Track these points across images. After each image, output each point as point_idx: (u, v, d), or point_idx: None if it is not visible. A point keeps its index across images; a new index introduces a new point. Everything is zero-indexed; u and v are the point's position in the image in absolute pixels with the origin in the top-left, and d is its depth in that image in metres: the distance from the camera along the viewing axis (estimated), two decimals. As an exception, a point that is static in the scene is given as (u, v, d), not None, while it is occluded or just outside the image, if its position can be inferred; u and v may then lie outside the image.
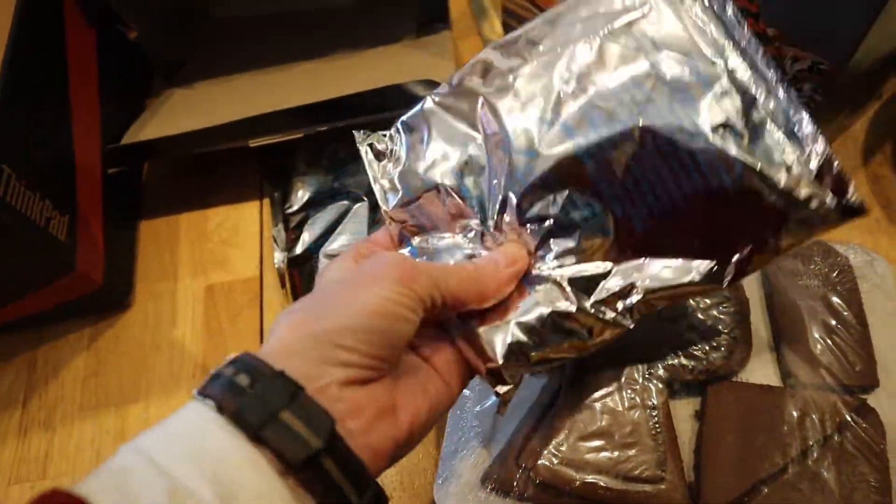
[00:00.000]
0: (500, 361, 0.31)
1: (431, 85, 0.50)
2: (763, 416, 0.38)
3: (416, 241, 0.35)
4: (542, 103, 0.33)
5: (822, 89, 0.40)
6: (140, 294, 0.53)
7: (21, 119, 0.43)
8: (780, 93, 0.29)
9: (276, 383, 0.25)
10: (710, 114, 0.29)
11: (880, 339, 0.41)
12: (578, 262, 0.32)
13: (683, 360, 0.39)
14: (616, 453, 0.36)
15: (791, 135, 0.29)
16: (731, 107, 0.29)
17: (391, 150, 0.36)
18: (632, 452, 0.36)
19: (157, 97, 0.61)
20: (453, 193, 0.34)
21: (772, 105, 0.29)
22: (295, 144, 0.53)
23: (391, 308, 0.28)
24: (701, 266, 0.30)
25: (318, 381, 0.26)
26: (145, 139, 0.53)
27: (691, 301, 0.41)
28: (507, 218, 0.33)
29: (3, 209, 0.39)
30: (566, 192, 0.31)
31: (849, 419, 0.37)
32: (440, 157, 0.35)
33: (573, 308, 0.31)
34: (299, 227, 0.51)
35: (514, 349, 0.31)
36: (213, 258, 0.54)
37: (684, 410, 0.40)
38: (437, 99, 0.36)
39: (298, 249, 0.50)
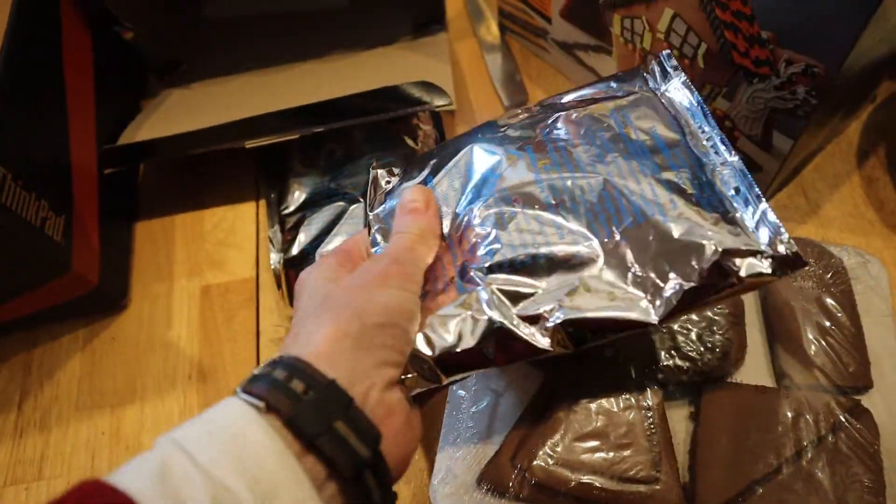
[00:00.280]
0: (415, 346, 0.31)
1: (427, 86, 0.50)
2: (757, 417, 0.38)
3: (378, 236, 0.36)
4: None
5: (815, 92, 0.40)
6: (136, 295, 0.53)
7: (17, 119, 0.43)
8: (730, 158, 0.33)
9: (330, 392, 0.26)
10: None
11: (874, 340, 0.41)
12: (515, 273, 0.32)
13: (678, 362, 0.40)
14: (611, 454, 0.36)
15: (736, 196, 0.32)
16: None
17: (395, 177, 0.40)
18: (627, 453, 0.36)
19: (153, 98, 0.61)
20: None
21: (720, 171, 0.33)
22: (291, 145, 0.53)
23: (406, 305, 0.30)
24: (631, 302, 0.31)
25: (362, 385, 0.27)
26: (141, 140, 0.53)
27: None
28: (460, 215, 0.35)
29: (-1, 209, 0.39)
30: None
31: (843, 420, 0.38)
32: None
33: (496, 317, 0.31)
34: (295, 228, 0.51)
35: (426, 341, 0.31)
36: (209, 259, 0.54)
37: (679, 412, 0.41)
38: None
39: (294, 250, 0.50)
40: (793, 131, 0.43)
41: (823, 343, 0.40)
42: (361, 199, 0.51)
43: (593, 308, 0.31)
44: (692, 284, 0.30)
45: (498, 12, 0.63)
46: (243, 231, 0.56)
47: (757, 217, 0.31)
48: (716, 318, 0.41)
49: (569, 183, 0.34)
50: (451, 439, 0.40)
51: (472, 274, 0.32)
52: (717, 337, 0.40)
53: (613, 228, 0.32)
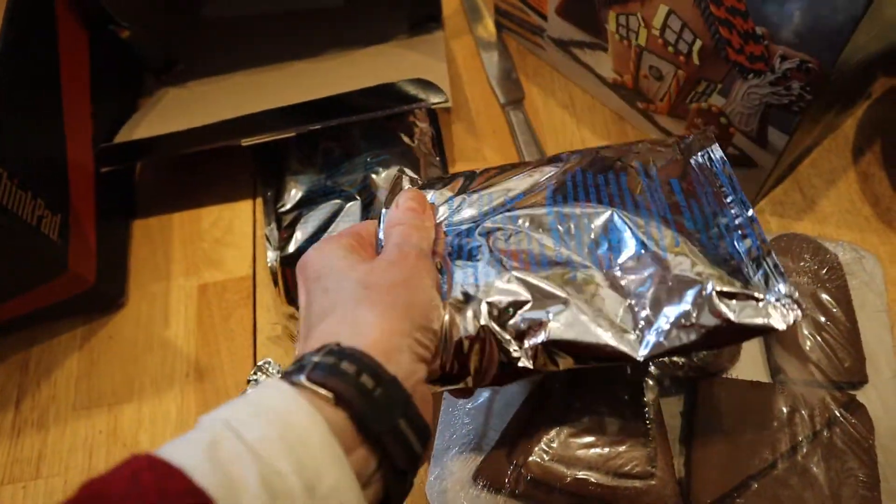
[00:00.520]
0: None
1: (423, 84, 0.50)
2: (753, 413, 0.38)
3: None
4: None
5: (810, 88, 0.40)
6: (133, 293, 0.53)
7: (13, 118, 0.43)
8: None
9: (394, 389, 0.26)
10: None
11: (869, 335, 0.41)
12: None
13: (674, 358, 0.40)
14: (606, 450, 0.36)
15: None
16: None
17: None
18: (622, 449, 0.36)
19: (149, 96, 0.61)
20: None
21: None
22: (287, 143, 0.54)
23: (437, 302, 0.31)
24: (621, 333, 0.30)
25: (412, 379, 0.28)
26: (138, 138, 0.53)
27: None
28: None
29: (-5, 208, 0.39)
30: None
31: (838, 415, 0.38)
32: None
33: (478, 324, 0.31)
34: (292, 226, 0.51)
35: None
36: (205, 257, 0.55)
37: (675, 407, 0.41)
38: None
39: (291, 248, 0.50)
40: (788, 127, 0.43)
41: (819, 338, 0.40)
42: (358, 197, 0.51)
43: (579, 333, 0.30)
44: (683, 324, 0.29)
45: (494, 10, 0.63)
46: (240, 229, 0.56)
47: (763, 271, 0.30)
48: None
49: (577, 211, 0.34)
50: (447, 436, 0.41)
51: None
52: (713, 333, 0.40)
53: (612, 258, 0.32)
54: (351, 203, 0.51)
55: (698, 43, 0.44)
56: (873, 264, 0.44)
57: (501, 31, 0.64)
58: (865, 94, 0.55)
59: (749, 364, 0.42)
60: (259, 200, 0.57)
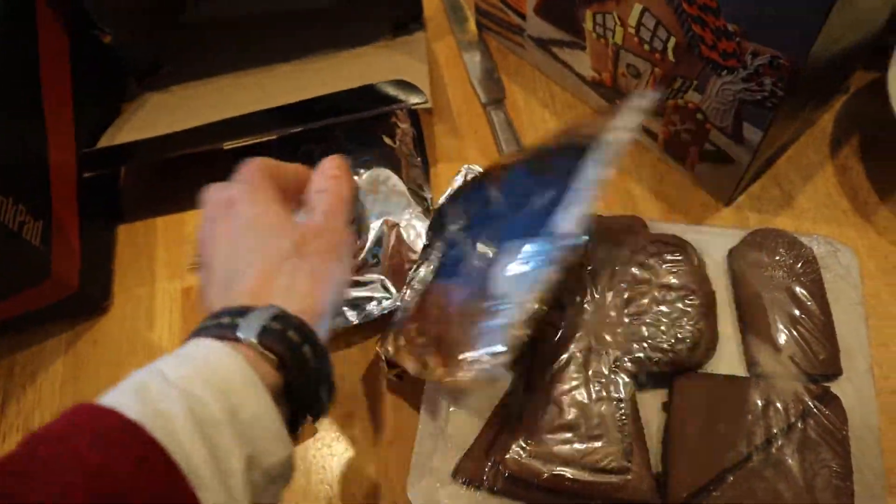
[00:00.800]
0: None
1: (403, 85, 0.51)
2: (728, 406, 0.39)
3: None
4: None
5: (782, 84, 0.40)
6: (118, 297, 0.53)
7: (-8, 124, 0.43)
8: None
9: (325, 364, 0.30)
10: None
11: (844, 327, 0.42)
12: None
13: (650, 353, 0.40)
14: (583, 445, 0.37)
15: None
16: None
17: None
18: (598, 444, 0.37)
19: (133, 101, 0.61)
20: None
21: None
22: (269, 146, 0.54)
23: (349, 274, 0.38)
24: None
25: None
26: (121, 143, 0.54)
27: (656, 293, 0.41)
28: None
29: (-26, 215, 0.39)
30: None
31: (812, 407, 0.38)
32: None
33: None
34: (274, 229, 0.51)
35: None
36: (190, 261, 0.55)
37: (652, 402, 0.41)
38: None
39: (274, 250, 0.50)
40: (762, 123, 0.44)
41: (794, 332, 0.41)
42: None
43: None
44: None
45: (475, 10, 0.63)
46: (224, 232, 0.56)
47: None
48: (687, 309, 0.41)
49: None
50: (427, 433, 0.41)
51: None
52: (688, 328, 0.40)
53: None
54: (332, 204, 0.51)
55: (672, 40, 0.45)
56: (849, 257, 0.45)
57: (482, 32, 0.64)
58: (844, 89, 0.56)
59: (727, 359, 0.42)
60: (243, 203, 0.57)
